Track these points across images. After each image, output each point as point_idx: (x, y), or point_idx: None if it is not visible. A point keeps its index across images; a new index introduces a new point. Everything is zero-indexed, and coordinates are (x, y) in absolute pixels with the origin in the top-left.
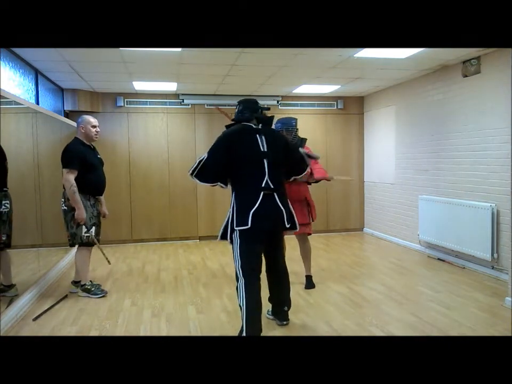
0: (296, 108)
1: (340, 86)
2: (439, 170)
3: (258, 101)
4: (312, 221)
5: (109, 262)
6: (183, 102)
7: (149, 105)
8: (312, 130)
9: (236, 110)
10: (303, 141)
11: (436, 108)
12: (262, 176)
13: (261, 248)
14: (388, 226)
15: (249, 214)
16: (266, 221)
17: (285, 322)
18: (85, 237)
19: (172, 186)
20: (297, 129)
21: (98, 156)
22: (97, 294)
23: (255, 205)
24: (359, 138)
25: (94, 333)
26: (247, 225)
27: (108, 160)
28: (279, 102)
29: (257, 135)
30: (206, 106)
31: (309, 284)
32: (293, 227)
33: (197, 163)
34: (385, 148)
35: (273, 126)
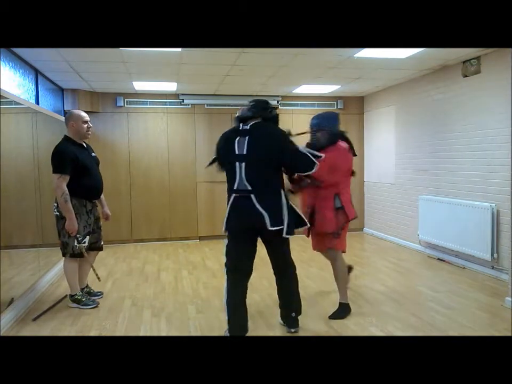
0: (296, 107)
1: (339, 86)
2: (439, 170)
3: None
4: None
5: (98, 278)
6: (183, 102)
7: (149, 105)
8: None
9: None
10: (336, 136)
11: (436, 108)
12: (234, 179)
13: (245, 248)
14: (388, 226)
15: (226, 215)
16: (239, 222)
17: (292, 330)
18: (77, 247)
19: (172, 186)
20: (335, 131)
21: (93, 155)
22: (88, 305)
23: (228, 206)
24: (359, 138)
25: (94, 333)
26: (224, 225)
27: (107, 160)
28: (279, 102)
29: (238, 138)
30: (206, 106)
31: (338, 313)
32: (284, 231)
33: (211, 160)
34: (385, 148)
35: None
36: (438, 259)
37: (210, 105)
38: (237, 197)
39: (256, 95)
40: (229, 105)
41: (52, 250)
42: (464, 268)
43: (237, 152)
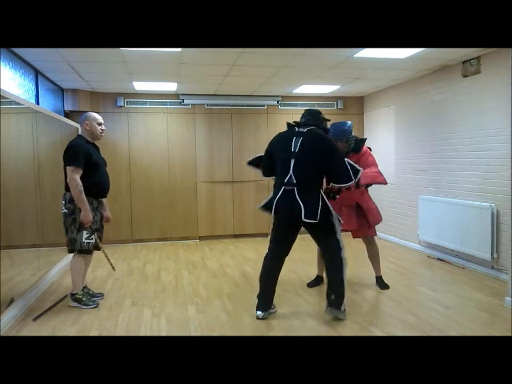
0: (296, 108)
1: (339, 86)
2: (439, 170)
3: (260, 101)
4: (369, 225)
5: (113, 268)
6: (183, 102)
7: (149, 105)
8: None
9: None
10: (362, 141)
11: (436, 108)
12: (286, 173)
13: (283, 234)
14: (388, 226)
15: (273, 203)
16: (284, 212)
17: (327, 309)
18: (85, 244)
19: (172, 186)
20: (351, 137)
21: (101, 156)
22: (88, 305)
23: (277, 196)
24: None
25: (94, 333)
26: (271, 212)
27: (108, 161)
28: (279, 102)
29: (295, 138)
30: (206, 106)
31: (381, 284)
32: (313, 220)
33: (256, 156)
34: (385, 148)
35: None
36: (438, 259)
37: (210, 105)
38: (285, 190)
39: (256, 95)
40: (229, 105)
41: (52, 250)
42: (464, 267)
43: (292, 150)
